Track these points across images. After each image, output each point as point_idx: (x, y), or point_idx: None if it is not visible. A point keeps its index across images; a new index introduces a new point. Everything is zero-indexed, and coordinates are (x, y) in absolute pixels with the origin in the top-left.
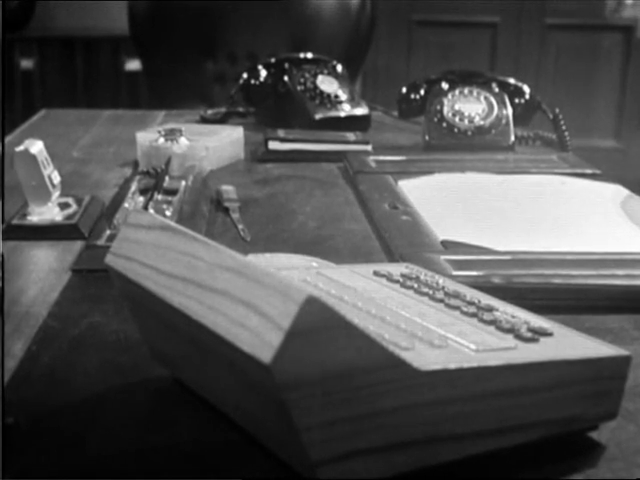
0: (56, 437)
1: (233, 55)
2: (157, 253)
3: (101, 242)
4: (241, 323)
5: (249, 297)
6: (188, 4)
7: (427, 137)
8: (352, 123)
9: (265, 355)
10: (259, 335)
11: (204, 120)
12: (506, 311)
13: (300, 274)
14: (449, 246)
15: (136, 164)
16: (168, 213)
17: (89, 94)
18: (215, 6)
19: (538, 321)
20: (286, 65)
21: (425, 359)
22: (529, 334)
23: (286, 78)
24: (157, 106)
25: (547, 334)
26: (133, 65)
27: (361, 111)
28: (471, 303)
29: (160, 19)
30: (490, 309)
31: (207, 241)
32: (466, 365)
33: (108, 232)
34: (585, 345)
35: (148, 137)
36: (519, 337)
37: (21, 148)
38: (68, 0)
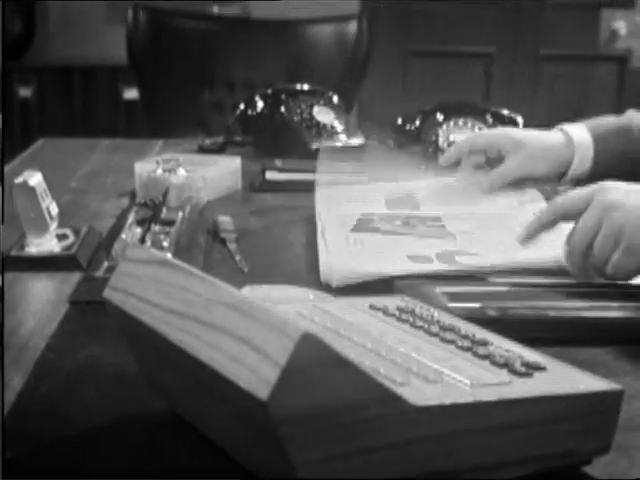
0: (54, 469)
1: (231, 83)
2: (155, 288)
3: (99, 273)
4: (238, 359)
5: (246, 333)
6: (186, 33)
7: (422, 167)
8: (349, 153)
9: (262, 391)
10: (256, 371)
11: (202, 149)
12: (500, 345)
13: (296, 307)
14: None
15: (134, 194)
16: (165, 244)
17: (87, 123)
18: (212, 35)
19: (532, 355)
20: (283, 96)
21: (420, 394)
22: (523, 369)
23: (283, 109)
24: (155, 134)
25: (541, 368)
26: (131, 94)
27: (357, 141)
28: (466, 337)
29: (158, 48)
30: (485, 343)
31: (204, 276)
32: (461, 401)
33: (106, 264)
34: (578, 380)
35: (146, 168)
36: (513, 372)
37: (20, 180)
38: (66, 29)
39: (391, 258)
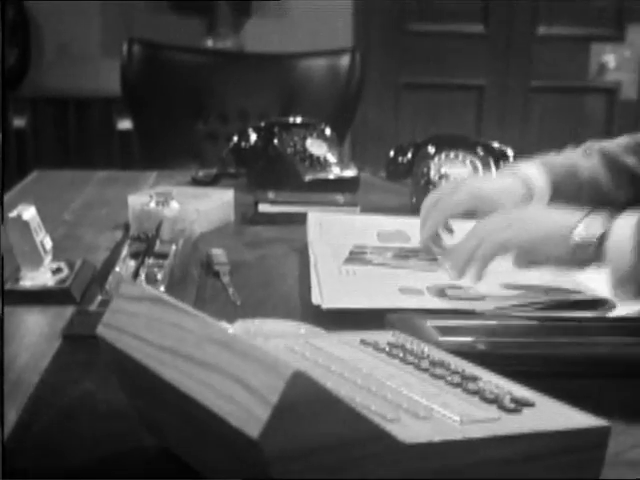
0: None
1: (224, 114)
2: (147, 325)
3: (92, 307)
4: (229, 397)
5: (237, 371)
6: (180, 66)
7: (414, 200)
8: (341, 185)
9: (253, 430)
10: (247, 410)
11: (195, 181)
12: (490, 380)
13: (288, 343)
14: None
15: (127, 226)
16: (159, 277)
17: (82, 153)
18: (206, 68)
19: (521, 391)
20: (276, 129)
21: (410, 431)
22: (512, 405)
23: (276, 141)
24: (149, 164)
25: (529, 405)
26: (125, 124)
27: (350, 173)
28: (456, 372)
29: (152, 80)
30: (474, 379)
31: (196, 313)
32: (450, 438)
33: (100, 297)
34: (566, 416)
35: (139, 201)
36: (502, 408)
37: (14, 214)
38: (61, 60)
39: (383, 291)
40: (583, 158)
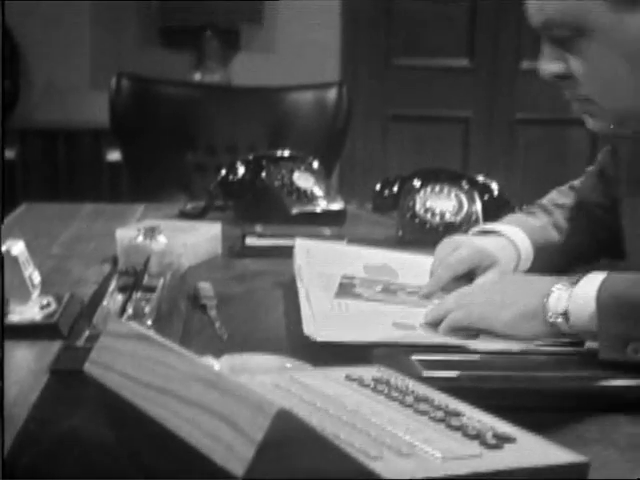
0: None
1: (213, 147)
2: (134, 363)
3: (80, 343)
4: (214, 435)
5: (222, 409)
6: (168, 99)
7: (400, 232)
8: (328, 218)
9: (237, 468)
10: (232, 448)
11: (183, 214)
12: (473, 416)
13: (273, 379)
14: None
15: (115, 260)
16: (147, 311)
17: (71, 185)
18: (195, 101)
19: (503, 426)
20: (264, 162)
21: (393, 469)
22: (494, 441)
23: (264, 174)
24: (138, 196)
25: (511, 440)
26: (114, 155)
27: (337, 206)
28: (439, 408)
29: (141, 113)
30: (458, 414)
31: (182, 352)
32: (432, 475)
33: (87, 332)
34: (546, 451)
35: (127, 234)
36: (484, 444)
37: (2, 249)
38: (50, 93)
39: (376, 326)
40: (551, 216)
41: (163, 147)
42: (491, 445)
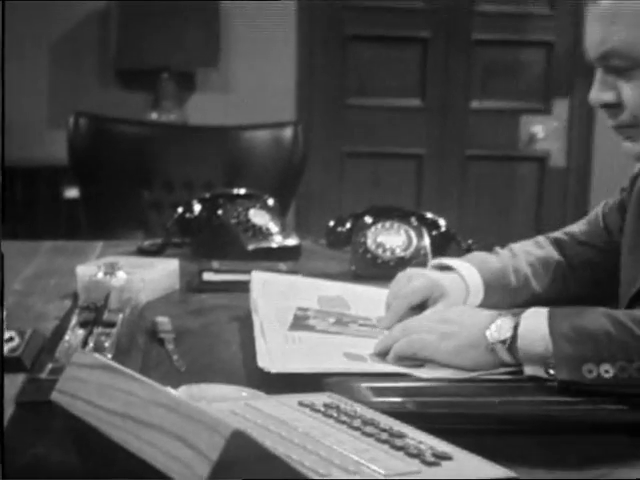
0: None
1: (169, 184)
2: (99, 391)
3: (43, 375)
4: (174, 456)
5: (181, 431)
6: (125, 138)
7: (353, 267)
8: (284, 253)
9: None
10: (190, 467)
11: (141, 251)
12: (415, 437)
13: (229, 406)
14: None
15: (76, 296)
16: (107, 345)
17: (28, 222)
18: (152, 138)
19: (442, 446)
20: (220, 200)
21: None
22: (432, 459)
23: (220, 212)
24: (96, 233)
25: (448, 458)
26: (72, 193)
27: (292, 242)
28: (384, 430)
29: (99, 152)
30: (401, 436)
31: (144, 379)
32: None
33: (50, 365)
34: (479, 467)
35: (88, 271)
36: (424, 462)
37: None
38: (6, 131)
39: (328, 356)
40: (514, 259)
41: (120, 184)
42: (430, 462)
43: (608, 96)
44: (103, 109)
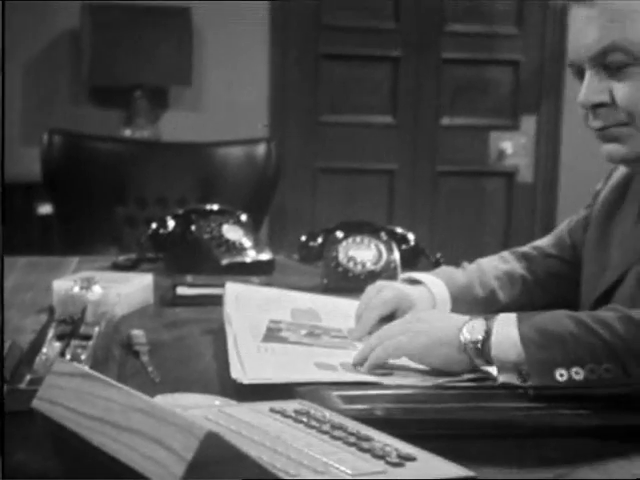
0: None
1: (143, 200)
2: (78, 398)
3: (22, 386)
4: (151, 457)
5: (157, 434)
6: (99, 154)
7: (325, 280)
8: (257, 268)
9: None
10: (166, 467)
11: (116, 266)
12: (381, 440)
13: (203, 412)
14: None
15: (52, 310)
16: (83, 357)
17: (2, 238)
18: (125, 156)
19: (406, 448)
20: (193, 216)
21: None
22: (397, 460)
23: (193, 227)
24: (69, 249)
25: (411, 459)
26: (45, 209)
27: (265, 256)
28: (352, 434)
29: (72, 168)
30: (368, 439)
31: (121, 386)
32: None
33: (29, 376)
34: (441, 467)
35: (64, 286)
36: (389, 463)
37: None
38: None
39: (300, 366)
40: (481, 273)
41: (94, 201)
42: (394, 463)
43: (601, 96)
44: (77, 126)
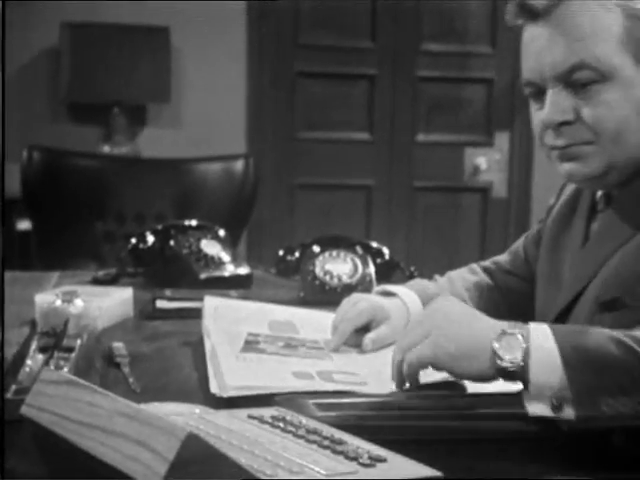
0: None
1: (121, 216)
2: (66, 404)
3: (8, 396)
4: (135, 458)
5: (141, 437)
6: (78, 170)
7: (302, 294)
8: (235, 281)
9: None
10: (150, 467)
11: (96, 281)
12: (354, 443)
13: (184, 419)
14: None
15: (34, 323)
16: (66, 369)
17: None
18: (104, 172)
19: (378, 450)
20: (172, 231)
21: None
22: (368, 461)
23: (172, 242)
24: (48, 265)
25: (382, 460)
26: (24, 225)
27: (243, 270)
28: (326, 438)
29: (51, 184)
30: (341, 442)
31: (106, 392)
32: None
33: (14, 387)
34: (409, 468)
35: (46, 299)
36: (361, 464)
37: None
38: None
39: (277, 376)
40: (452, 285)
41: (73, 216)
42: (366, 464)
43: (565, 115)
44: (56, 142)
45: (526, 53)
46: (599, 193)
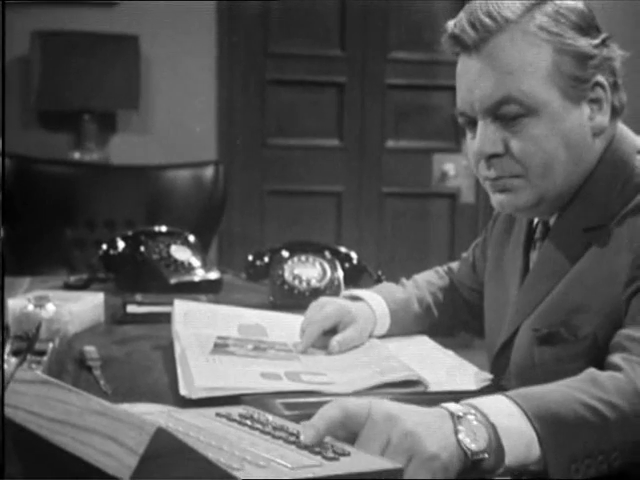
0: None
1: (91, 222)
2: (39, 402)
3: None
4: (107, 453)
5: (112, 432)
6: (49, 177)
7: (271, 298)
8: (205, 286)
9: (125, 476)
10: (120, 461)
11: (68, 286)
12: None
13: (154, 417)
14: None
15: (7, 327)
16: (38, 372)
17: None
18: (74, 177)
19: (342, 446)
20: (142, 237)
21: (251, 476)
22: (332, 455)
23: (142, 248)
24: (19, 270)
25: (346, 454)
26: None
27: (213, 275)
28: (292, 434)
29: (22, 190)
30: None
31: (78, 391)
32: (281, 478)
33: None
34: (371, 461)
35: (19, 304)
36: (325, 457)
37: None
38: None
39: (246, 377)
40: (418, 289)
41: (43, 223)
42: (330, 458)
43: (495, 147)
44: (27, 150)
45: (459, 84)
46: (535, 220)
